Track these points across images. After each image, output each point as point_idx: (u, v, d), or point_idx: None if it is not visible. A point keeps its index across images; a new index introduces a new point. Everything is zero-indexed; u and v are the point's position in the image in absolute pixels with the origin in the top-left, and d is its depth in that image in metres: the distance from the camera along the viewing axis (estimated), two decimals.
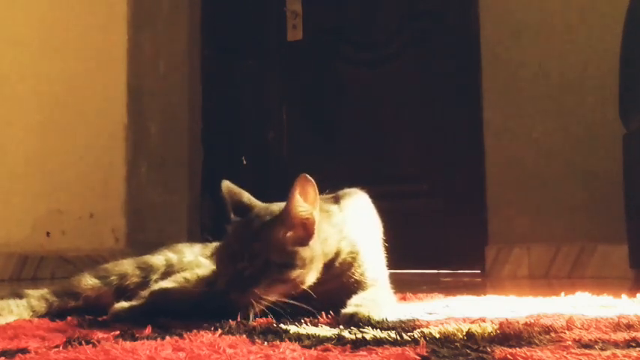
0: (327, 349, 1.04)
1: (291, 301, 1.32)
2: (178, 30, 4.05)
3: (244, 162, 3.80)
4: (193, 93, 4.05)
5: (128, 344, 1.06)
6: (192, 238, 3.35)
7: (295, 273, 1.33)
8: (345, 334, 1.13)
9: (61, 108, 3.56)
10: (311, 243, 1.36)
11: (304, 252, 1.34)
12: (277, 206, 1.40)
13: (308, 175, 1.35)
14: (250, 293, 1.31)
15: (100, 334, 1.20)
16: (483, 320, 1.31)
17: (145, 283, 1.53)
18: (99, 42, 3.78)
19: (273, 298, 1.32)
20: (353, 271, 1.43)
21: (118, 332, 1.21)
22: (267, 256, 1.32)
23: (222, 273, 1.37)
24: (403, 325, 1.26)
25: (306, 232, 1.36)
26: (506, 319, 1.27)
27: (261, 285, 1.31)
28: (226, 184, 1.46)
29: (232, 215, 1.43)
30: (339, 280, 1.41)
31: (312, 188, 1.35)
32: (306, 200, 1.35)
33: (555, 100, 3.16)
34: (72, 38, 3.63)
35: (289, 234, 1.34)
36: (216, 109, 4.06)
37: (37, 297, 1.51)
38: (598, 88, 3.01)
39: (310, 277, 1.35)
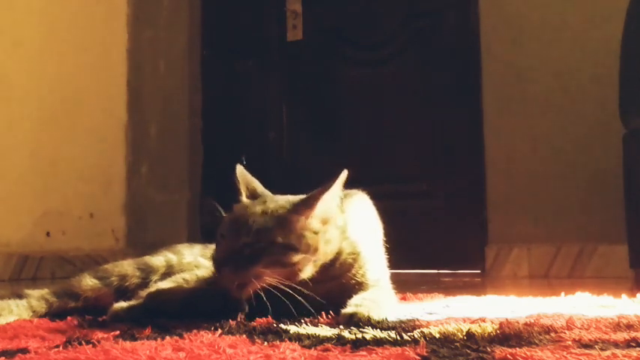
0: (327, 349, 1.04)
1: (288, 290, 1.31)
2: (178, 30, 4.06)
3: (244, 162, 3.79)
4: (193, 93, 4.05)
5: (128, 344, 1.06)
6: (192, 238, 3.36)
7: (297, 257, 1.31)
8: (345, 334, 1.13)
9: (61, 108, 3.56)
10: (320, 233, 1.35)
11: (311, 239, 1.34)
12: (294, 197, 1.40)
13: (346, 173, 1.36)
14: (248, 271, 1.29)
15: (100, 334, 1.20)
16: (483, 320, 1.31)
17: (144, 284, 1.53)
18: (99, 42, 3.78)
19: (269, 280, 1.30)
20: (354, 272, 1.43)
21: (118, 332, 1.21)
22: (274, 237, 1.31)
23: (221, 246, 1.34)
24: (403, 325, 1.26)
25: (321, 223, 1.36)
26: (506, 319, 1.27)
27: (260, 263, 1.29)
28: (240, 169, 1.46)
29: (244, 198, 1.43)
30: (339, 281, 1.41)
31: (342, 187, 1.36)
32: (335, 199, 1.36)
33: (555, 100, 3.16)
34: (72, 38, 3.63)
35: (305, 223, 1.34)
36: (216, 109, 4.06)
37: (37, 297, 1.52)
38: (598, 88, 3.01)
39: (308, 268, 1.34)
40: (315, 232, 1.35)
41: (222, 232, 1.36)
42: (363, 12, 3.75)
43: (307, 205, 1.34)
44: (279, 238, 1.31)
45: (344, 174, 1.35)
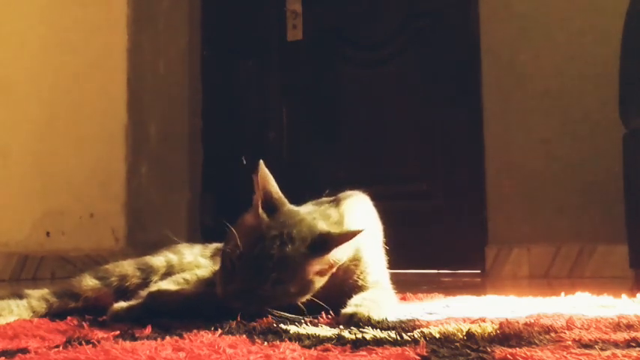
0: (327, 349, 1.04)
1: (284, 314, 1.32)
2: (178, 30, 4.05)
3: (244, 162, 3.80)
4: (193, 93, 4.05)
5: (128, 344, 1.06)
6: (192, 238, 3.36)
7: (303, 298, 1.34)
8: (345, 334, 1.13)
9: (61, 108, 3.56)
10: (326, 275, 1.36)
11: (318, 282, 1.35)
12: (308, 223, 1.37)
13: (362, 229, 1.35)
14: (257, 309, 1.31)
15: (100, 334, 1.20)
16: (483, 320, 1.30)
17: (145, 284, 1.53)
18: (99, 42, 3.78)
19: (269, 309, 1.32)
20: (355, 277, 1.43)
21: (118, 332, 1.21)
22: (288, 288, 1.31)
23: (231, 278, 1.32)
24: (403, 325, 1.26)
25: (330, 268, 1.36)
26: (506, 319, 1.27)
27: (270, 304, 1.31)
28: (263, 169, 1.41)
29: (260, 207, 1.38)
30: (340, 286, 1.41)
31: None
32: (349, 246, 1.35)
33: (555, 100, 3.16)
34: (72, 38, 3.63)
35: (316, 267, 1.34)
36: (216, 109, 4.06)
37: (37, 297, 1.51)
38: (598, 88, 3.01)
39: (308, 296, 1.36)
40: (322, 275, 1.35)
41: (233, 259, 1.33)
42: (363, 12, 3.75)
43: (323, 251, 1.33)
44: (293, 289, 1.32)
45: (359, 233, 1.34)
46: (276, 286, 1.30)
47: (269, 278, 1.30)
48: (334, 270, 1.37)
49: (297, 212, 1.41)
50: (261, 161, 1.42)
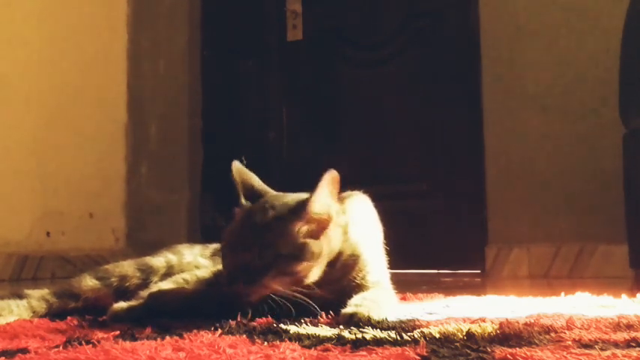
0: (327, 349, 1.04)
1: (293, 295, 1.32)
2: (178, 30, 4.06)
3: (244, 162, 3.79)
4: (193, 93, 4.05)
5: (128, 344, 1.06)
6: (192, 238, 3.36)
7: (301, 266, 1.32)
8: (345, 334, 1.13)
9: (61, 108, 3.56)
10: (322, 237, 1.36)
11: (314, 246, 1.34)
12: (292, 197, 1.39)
13: (335, 172, 1.35)
14: (257, 284, 1.31)
15: (100, 334, 1.20)
16: (483, 320, 1.30)
17: (145, 284, 1.53)
18: (99, 42, 3.78)
19: (277, 287, 1.32)
20: (354, 274, 1.43)
21: (118, 332, 1.21)
22: (278, 249, 1.31)
23: (228, 261, 1.35)
24: (403, 325, 1.26)
25: (320, 226, 1.36)
26: (506, 319, 1.27)
27: (268, 276, 1.31)
28: (237, 166, 1.46)
29: (243, 200, 1.42)
30: (340, 284, 1.41)
31: (336, 185, 1.36)
32: (329, 197, 1.35)
33: (555, 99, 3.16)
34: (72, 38, 3.63)
35: (304, 228, 1.34)
36: (216, 109, 4.06)
37: (38, 297, 1.52)
38: (598, 88, 3.01)
39: (314, 272, 1.35)
40: (316, 238, 1.35)
41: (227, 246, 1.37)
42: (363, 12, 3.75)
43: (302, 209, 1.34)
44: (283, 251, 1.32)
45: (329, 173, 1.35)
46: (266, 250, 1.30)
47: (256, 242, 1.31)
48: (328, 231, 1.36)
49: (284, 194, 1.44)
50: (235, 161, 1.47)
